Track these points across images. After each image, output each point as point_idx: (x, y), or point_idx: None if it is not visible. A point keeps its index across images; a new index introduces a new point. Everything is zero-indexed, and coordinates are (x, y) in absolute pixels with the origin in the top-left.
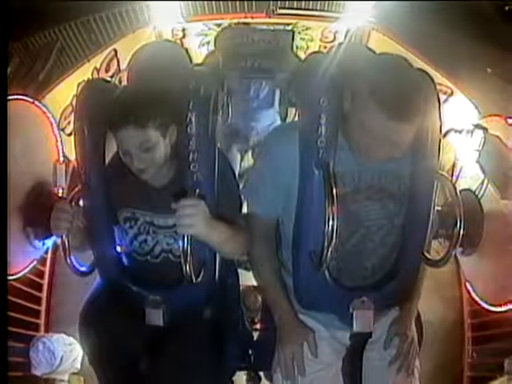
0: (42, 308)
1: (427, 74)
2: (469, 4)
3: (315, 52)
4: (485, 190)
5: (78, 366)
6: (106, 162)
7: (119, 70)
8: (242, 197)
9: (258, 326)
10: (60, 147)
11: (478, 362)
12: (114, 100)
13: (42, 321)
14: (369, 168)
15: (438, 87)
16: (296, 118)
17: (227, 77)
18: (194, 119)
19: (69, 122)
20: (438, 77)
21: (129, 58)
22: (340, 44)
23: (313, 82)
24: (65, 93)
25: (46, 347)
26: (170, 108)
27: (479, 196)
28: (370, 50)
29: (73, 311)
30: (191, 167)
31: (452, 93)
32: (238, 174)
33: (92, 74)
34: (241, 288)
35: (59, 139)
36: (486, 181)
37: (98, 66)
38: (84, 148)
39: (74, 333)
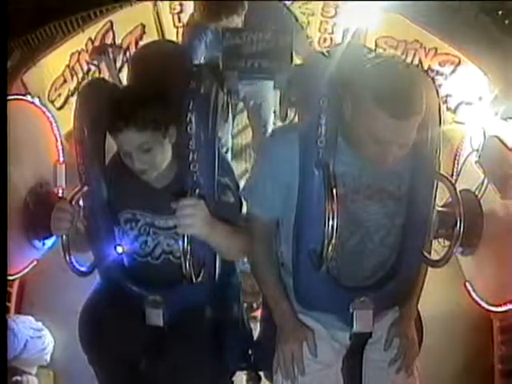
0: (14, 290)
1: (426, 72)
2: None
3: (315, 52)
4: (485, 190)
5: (48, 358)
6: (106, 162)
7: (114, 43)
8: (242, 197)
9: (256, 314)
10: (60, 147)
11: (508, 353)
12: (113, 101)
13: (12, 304)
14: (369, 168)
15: (446, 57)
16: (296, 118)
17: (227, 77)
18: (194, 119)
19: (59, 95)
20: (445, 46)
21: (129, 58)
22: (339, 44)
23: (313, 82)
24: (57, 62)
25: (10, 329)
26: (170, 109)
27: (479, 196)
28: (370, 49)
29: (47, 297)
30: (191, 167)
31: (460, 62)
32: (231, 149)
33: (86, 45)
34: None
35: (59, 139)
36: (486, 181)
37: (92, 37)
38: (84, 148)
39: (45, 318)
